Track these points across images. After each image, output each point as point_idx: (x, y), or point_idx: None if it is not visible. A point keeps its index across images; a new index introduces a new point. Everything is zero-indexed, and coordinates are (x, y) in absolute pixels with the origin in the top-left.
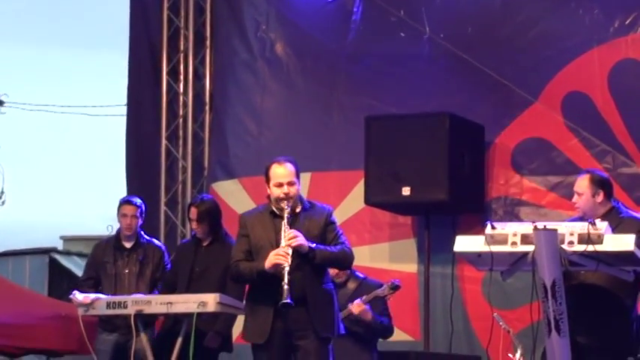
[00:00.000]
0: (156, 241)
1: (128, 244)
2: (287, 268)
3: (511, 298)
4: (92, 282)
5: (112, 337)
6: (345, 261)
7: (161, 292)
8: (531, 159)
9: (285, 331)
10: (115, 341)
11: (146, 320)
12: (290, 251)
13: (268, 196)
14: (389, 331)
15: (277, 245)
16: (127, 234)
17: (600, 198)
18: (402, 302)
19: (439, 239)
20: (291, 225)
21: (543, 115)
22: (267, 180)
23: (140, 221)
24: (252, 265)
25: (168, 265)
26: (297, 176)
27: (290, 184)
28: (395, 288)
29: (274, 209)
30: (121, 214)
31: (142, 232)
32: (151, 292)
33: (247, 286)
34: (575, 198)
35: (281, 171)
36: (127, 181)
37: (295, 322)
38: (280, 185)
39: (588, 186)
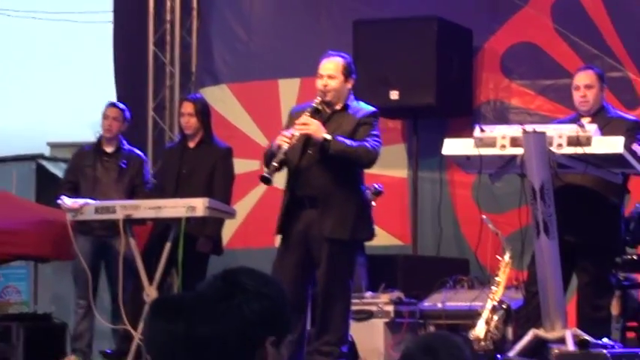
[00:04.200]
0: (137, 151)
1: (109, 149)
2: (284, 149)
3: (500, 202)
4: (71, 185)
5: (89, 239)
6: (363, 157)
7: (151, 196)
8: (520, 63)
9: (302, 232)
10: (92, 242)
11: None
12: (297, 133)
13: None
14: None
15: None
16: (106, 136)
17: (605, 92)
18: (391, 207)
19: (428, 144)
20: (326, 121)
21: (533, 19)
22: None
23: (122, 127)
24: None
25: (147, 176)
26: (345, 73)
27: (330, 77)
28: (377, 193)
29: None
30: (103, 116)
31: (124, 141)
32: (128, 198)
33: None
34: (582, 92)
35: (324, 63)
36: (116, 87)
37: (309, 224)
38: (320, 77)
39: (597, 79)
